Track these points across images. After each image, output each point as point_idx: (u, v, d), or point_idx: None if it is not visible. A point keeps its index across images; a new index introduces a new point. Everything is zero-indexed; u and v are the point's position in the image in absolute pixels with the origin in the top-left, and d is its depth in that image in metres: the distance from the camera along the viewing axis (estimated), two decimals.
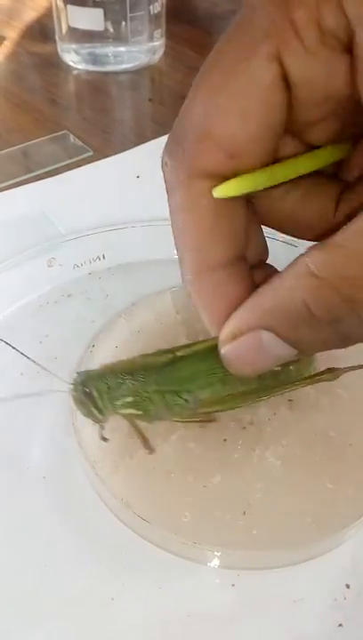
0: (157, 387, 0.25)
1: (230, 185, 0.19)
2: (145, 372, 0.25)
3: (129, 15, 0.55)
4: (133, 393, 0.24)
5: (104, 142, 0.50)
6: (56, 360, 0.33)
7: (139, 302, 0.34)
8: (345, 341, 0.18)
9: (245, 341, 0.19)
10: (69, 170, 0.46)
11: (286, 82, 0.17)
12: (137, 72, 0.58)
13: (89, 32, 0.56)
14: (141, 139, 0.50)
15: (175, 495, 0.26)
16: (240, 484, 0.26)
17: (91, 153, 0.48)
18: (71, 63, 0.58)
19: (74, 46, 0.58)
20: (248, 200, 0.21)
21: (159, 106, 0.55)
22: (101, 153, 0.48)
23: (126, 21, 0.55)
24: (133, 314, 0.34)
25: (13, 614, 0.24)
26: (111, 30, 0.56)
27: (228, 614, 0.25)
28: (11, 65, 0.59)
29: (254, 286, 0.20)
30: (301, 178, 0.21)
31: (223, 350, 0.20)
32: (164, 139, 0.53)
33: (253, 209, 0.22)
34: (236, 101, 0.17)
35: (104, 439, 0.26)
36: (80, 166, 0.47)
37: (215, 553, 0.25)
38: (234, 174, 0.19)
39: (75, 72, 0.58)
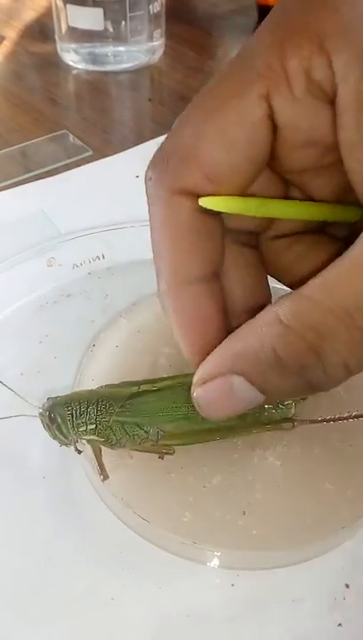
0: (117, 417, 0.26)
1: (218, 200, 0.19)
2: (108, 402, 0.26)
3: (129, 15, 0.55)
4: (95, 421, 0.26)
5: (104, 142, 0.50)
6: (56, 360, 0.33)
7: (140, 302, 0.34)
8: (311, 389, 0.19)
9: (215, 385, 0.20)
10: (69, 169, 0.46)
11: (272, 122, 0.19)
12: (137, 72, 0.58)
13: (89, 32, 0.56)
14: (140, 138, 0.50)
15: (175, 495, 0.26)
16: (240, 485, 0.26)
17: (90, 153, 0.48)
18: (71, 63, 0.58)
19: (73, 46, 0.58)
20: (258, 249, 0.23)
21: (159, 106, 0.55)
22: (101, 153, 0.48)
23: (126, 21, 0.55)
24: (134, 313, 0.34)
25: (14, 615, 0.24)
26: (111, 30, 0.56)
27: (227, 614, 0.25)
28: (10, 65, 0.59)
29: (224, 307, 0.22)
30: (304, 234, 0.22)
31: (195, 394, 0.21)
32: (163, 139, 0.53)
33: (261, 258, 0.23)
34: (224, 132, 0.19)
35: (78, 451, 0.27)
36: (79, 166, 0.47)
37: (215, 553, 0.25)
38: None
39: (74, 72, 0.58)
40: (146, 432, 0.26)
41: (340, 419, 0.27)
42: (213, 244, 0.21)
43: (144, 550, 0.26)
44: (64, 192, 0.44)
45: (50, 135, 0.50)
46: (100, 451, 0.26)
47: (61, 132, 0.51)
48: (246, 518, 0.25)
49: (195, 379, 0.20)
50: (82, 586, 0.25)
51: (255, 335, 0.18)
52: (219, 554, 0.25)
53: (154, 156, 0.21)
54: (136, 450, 0.27)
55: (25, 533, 0.27)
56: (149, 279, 0.37)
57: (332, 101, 0.18)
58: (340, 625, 0.24)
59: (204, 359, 0.20)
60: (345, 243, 0.19)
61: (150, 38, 0.58)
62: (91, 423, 0.25)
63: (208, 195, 0.19)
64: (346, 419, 0.26)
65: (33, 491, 0.28)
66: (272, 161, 0.20)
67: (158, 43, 0.59)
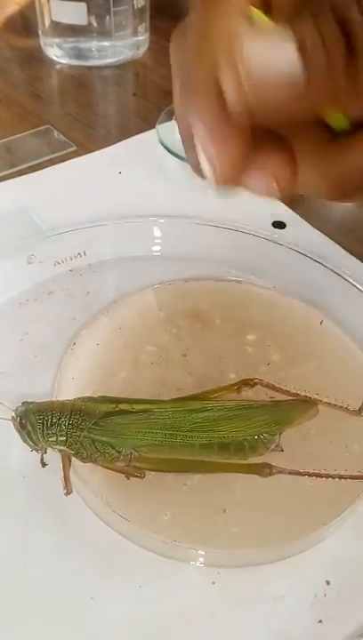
0: (88, 434, 0.25)
1: None
2: (82, 417, 0.25)
3: (113, 9, 0.55)
4: (66, 434, 0.25)
5: (87, 137, 0.49)
6: (36, 358, 0.32)
7: (121, 299, 0.34)
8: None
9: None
10: (52, 165, 0.46)
11: None
12: (121, 67, 0.57)
13: (72, 26, 0.55)
14: (124, 134, 0.49)
15: (155, 494, 0.26)
16: (220, 483, 0.26)
17: (74, 148, 0.48)
18: (54, 57, 0.58)
19: (57, 40, 0.57)
20: None
21: (143, 101, 0.55)
22: (85, 148, 0.48)
23: (110, 16, 0.55)
24: (115, 311, 0.34)
25: None
26: (95, 25, 0.56)
27: (208, 612, 0.25)
28: None
29: None
30: None
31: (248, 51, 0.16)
32: (147, 134, 0.52)
33: None
34: None
35: (43, 464, 0.27)
36: (63, 161, 0.46)
37: (195, 551, 0.25)
38: None
39: (58, 66, 0.57)
40: (118, 452, 0.25)
41: (316, 474, 0.26)
42: None
43: (124, 549, 0.26)
44: (46, 188, 0.43)
45: (33, 130, 0.50)
46: (70, 463, 0.26)
47: (45, 127, 0.50)
48: (226, 516, 0.25)
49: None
50: (62, 585, 0.25)
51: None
52: (199, 552, 0.25)
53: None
54: (107, 467, 0.26)
55: (4, 533, 0.26)
56: (130, 276, 0.38)
57: None
58: (320, 622, 0.24)
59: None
60: None
61: (135, 33, 0.57)
62: (61, 435, 0.25)
63: None
64: (323, 476, 0.26)
65: (12, 490, 0.28)
66: None
67: (143, 37, 0.58)
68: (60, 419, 0.25)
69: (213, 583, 0.25)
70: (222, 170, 0.18)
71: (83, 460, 0.26)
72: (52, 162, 0.46)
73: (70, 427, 0.25)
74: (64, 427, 0.25)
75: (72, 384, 0.29)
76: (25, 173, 0.45)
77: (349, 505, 0.26)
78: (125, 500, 0.26)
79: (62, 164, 0.46)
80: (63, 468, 0.26)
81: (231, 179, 0.19)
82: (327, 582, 0.25)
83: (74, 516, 0.27)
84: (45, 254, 0.37)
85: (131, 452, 0.25)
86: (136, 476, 0.26)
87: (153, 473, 0.26)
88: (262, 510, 0.26)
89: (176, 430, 0.25)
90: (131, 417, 0.26)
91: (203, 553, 0.25)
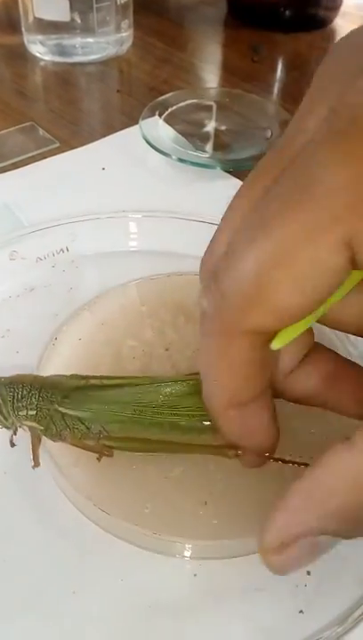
0: (58, 407, 0.25)
1: (287, 333, 0.19)
2: (53, 391, 0.25)
3: (95, 6, 0.55)
4: (37, 408, 0.25)
5: (71, 134, 0.49)
6: (18, 354, 0.32)
7: (103, 294, 0.34)
8: None
9: (298, 550, 0.18)
10: (35, 162, 0.46)
11: (354, 263, 0.16)
12: (105, 63, 0.57)
13: (55, 23, 0.55)
14: (109, 130, 0.49)
15: (136, 487, 0.26)
16: (201, 475, 0.26)
17: (57, 145, 0.48)
18: (38, 54, 0.58)
19: (40, 37, 0.57)
20: None
21: (127, 97, 0.55)
22: (68, 145, 0.48)
23: (93, 12, 0.55)
24: (97, 306, 0.33)
25: None
26: (78, 21, 0.56)
27: (189, 604, 0.25)
28: None
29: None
30: None
31: (270, 562, 0.18)
32: (130, 130, 0.52)
33: None
34: (298, 280, 0.16)
35: (12, 444, 0.26)
36: (46, 158, 0.46)
37: (176, 543, 0.25)
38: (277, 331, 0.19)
39: (41, 63, 0.57)
40: (87, 428, 0.25)
41: (284, 460, 0.26)
42: (269, 369, 0.20)
43: (105, 543, 0.26)
44: (29, 185, 0.43)
45: (16, 127, 0.50)
46: (39, 440, 0.26)
47: (28, 123, 0.50)
48: (207, 508, 0.25)
49: (267, 543, 0.18)
50: (43, 580, 0.25)
51: (345, 486, 0.16)
52: (179, 544, 0.25)
53: (203, 277, 0.19)
54: (76, 445, 0.26)
55: None
56: (114, 272, 0.38)
57: None
58: (301, 612, 0.25)
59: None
60: None
61: (118, 29, 0.57)
62: (32, 409, 0.25)
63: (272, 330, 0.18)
64: (297, 463, 0.26)
65: None
66: None
67: (126, 34, 0.58)
68: (30, 391, 0.25)
69: (195, 575, 0.25)
70: None
71: (52, 437, 0.25)
72: (36, 159, 0.46)
73: (41, 399, 0.25)
74: (34, 400, 0.25)
75: None
76: (8, 170, 0.45)
77: None
78: (106, 493, 0.26)
79: (45, 161, 0.46)
80: (33, 446, 0.26)
81: None
82: (308, 573, 0.25)
83: (55, 511, 0.27)
84: (28, 250, 0.37)
85: (100, 431, 0.25)
86: (106, 455, 0.26)
87: (134, 466, 0.26)
88: (243, 502, 0.26)
89: (145, 406, 0.25)
90: (101, 391, 0.26)
91: (183, 545, 0.25)
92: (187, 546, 0.25)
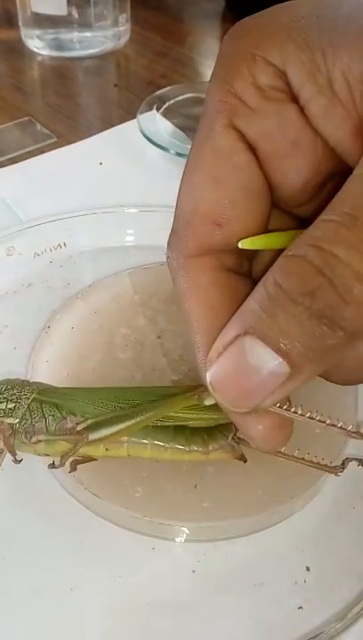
0: (38, 395, 0.25)
1: (257, 239, 0.19)
2: (35, 385, 0.25)
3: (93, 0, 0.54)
4: (16, 401, 0.24)
5: (68, 128, 0.49)
6: (16, 350, 0.32)
7: (95, 283, 0.34)
8: (330, 330, 0.16)
9: (225, 358, 0.17)
10: (33, 157, 0.46)
11: (246, 143, 0.19)
12: (102, 57, 0.57)
13: (52, 17, 0.55)
14: (106, 124, 0.49)
15: (127, 471, 0.26)
16: (191, 460, 0.26)
17: (55, 139, 0.48)
18: (35, 49, 0.57)
19: (37, 32, 0.57)
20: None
21: (125, 91, 0.54)
22: (66, 139, 0.48)
23: (90, 6, 0.55)
24: (90, 295, 0.33)
25: None
26: (75, 15, 0.55)
27: (188, 601, 0.25)
28: None
29: None
30: None
31: (208, 376, 0.18)
32: (128, 124, 0.52)
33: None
34: (206, 174, 0.19)
35: None
36: (43, 153, 0.46)
37: (166, 525, 0.25)
38: (227, 247, 0.20)
39: (39, 58, 0.57)
40: (62, 416, 0.24)
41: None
42: (242, 295, 0.19)
43: (103, 540, 0.26)
44: (26, 180, 0.43)
45: (14, 122, 0.49)
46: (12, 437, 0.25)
47: (26, 118, 0.50)
48: (197, 491, 0.26)
49: (208, 361, 0.18)
50: (40, 577, 0.25)
51: (257, 288, 0.17)
52: (170, 526, 0.25)
53: (169, 235, 0.21)
54: (49, 439, 0.24)
55: None
56: (111, 266, 0.37)
57: (292, 98, 0.18)
58: (300, 608, 0.24)
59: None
60: None
61: (115, 23, 0.57)
62: (12, 401, 0.24)
63: (224, 249, 0.19)
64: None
65: None
66: (273, 192, 0.20)
67: (124, 28, 0.58)
68: (13, 387, 0.25)
69: (193, 571, 0.25)
70: None
71: (25, 430, 0.24)
72: (33, 153, 0.46)
73: (21, 390, 0.25)
74: (16, 391, 0.25)
75: (46, 367, 0.29)
76: (5, 165, 0.45)
77: (318, 478, 0.26)
78: (98, 477, 0.26)
79: (42, 156, 0.45)
80: (5, 443, 0.24)
81: None
82: (307, 568, 0.25)
83: (52, 508, 0.27)
84: (25, 246, 0.36)
85: (77, 420, 0.24)
86: (80, 439, 0.24)
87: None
88: (233, 485, 0.26)
89: (126, 402, 0.25)
90: (84, 390, 0.26)
91: (174, 527, 0.25)
92: (177, 528, 0.25)
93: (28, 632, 0.24)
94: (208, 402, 0.22)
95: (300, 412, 0.20)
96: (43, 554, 0.25)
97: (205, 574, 0.25)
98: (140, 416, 0.24)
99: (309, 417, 0.21)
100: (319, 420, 0.21)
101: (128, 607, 0.24)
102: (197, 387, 0.23)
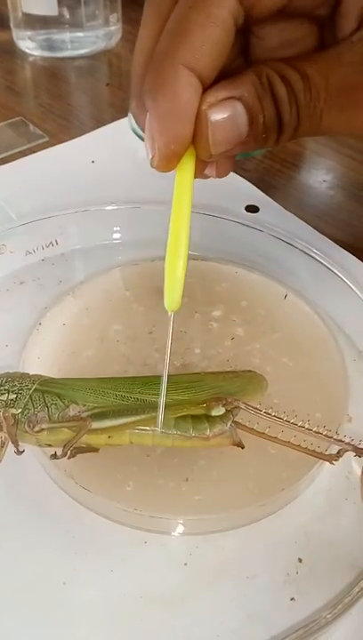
0: (39, 386, 0.25)
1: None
2: (36, 377, 0.25)
3: (83, 0, 0.54)
4: (18, 392, 0.25)
5: (60, 128, 0.49)
6: (7, 348, 0.32)
7: (87, 280, 0.34)
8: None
9: (225, 107, 0.22)
10: (25, 156, 0.46)
11: None
12: (94, 57, 0.57)
13: (44, 18, 0.55)
14: (98, 124, 0.49)
15: (118, 465, 0.26)
16: (183, 453, 0.26)
17: (47, 139, 0.48)
18: (27, 50, 0.57)
19: (29, 33, 0.57)
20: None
21: (117, 90, 0.54)
22: (58, 139, 0.48)
23: (81, 6, 0.55)
24: (82, 291, 0.33)
25: None
26: (66, 15, 0.55)
27: (181, 594, 0.25)
28: None
29: None
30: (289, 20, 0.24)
31: (210, 113, 0.22)
32: (120, 122, 0.52)
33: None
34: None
35: None
36: (35, 152, 0.46)
37: (158, 519, 0.25)
38: None
39: (30, 59, 0.57)
40: (65, 405, 0.25)
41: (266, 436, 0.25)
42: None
43: (96, 534, 0.26)
44: (18, 179, 0.43)
45: (6, 122, 0.49)
46: (15, 428, 0.25)
47: (17, 118, 0.50)
48: (189, 485, 0.26)
49: (210, 99, 0.22)
50: (33, 572, 0.25)
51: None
52: (161, 519, 0.25)
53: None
54: (51, 427, 0.25)
55: None
56: (103, 264, 0.37)
57: None
58: (293, 599, 0.24)
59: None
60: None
61: (107, 23, 0.57)
62: (13, 392, 0.24)
63: None
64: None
65: None
66: None
67: (115, 27, 0.58)
68: (13, 380, 0.25)
69: (186, 564, 0.25)
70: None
71: (28, 419, 0.24)
72: (25, 153, 0.46)
73: (22, 382, 0.25)
74: (17, 383, 0.25)
75: (38, 363, 0.30)
76: None
77: (308, 470, 0.26)
78: (89, 471, 0.26)
79: (34, 155, 0.46)
80: (9, 434, 0.24)
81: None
82: (300, 560, 0.25)
83: (45, 503, 0.27)
84: (17, 244, 0.36)
85: (78, 410, 0.25)
86: (92, 451, 0.25)
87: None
88: (224, 478, 0.26)
89: (127, 392, 0.25)
90: (83, 380, 0.26)
91: (165, 521, 0.25)
92: (169, 521, 0.25)
93: (21, 626, 0.24)
94: (215, 412, 0.24)
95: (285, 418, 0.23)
96: (35, 549, 0.25)
97: (197, 567, 0.25)
98: (145, 414, 0.24)
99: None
100: (301, 426, 0.24)
101: (121, 601, 0.24)
102: (197, 383, 0.24)
